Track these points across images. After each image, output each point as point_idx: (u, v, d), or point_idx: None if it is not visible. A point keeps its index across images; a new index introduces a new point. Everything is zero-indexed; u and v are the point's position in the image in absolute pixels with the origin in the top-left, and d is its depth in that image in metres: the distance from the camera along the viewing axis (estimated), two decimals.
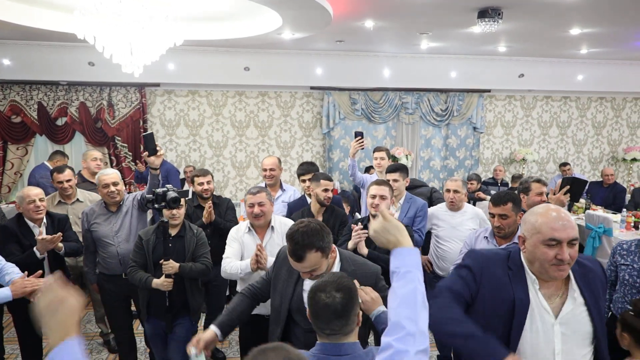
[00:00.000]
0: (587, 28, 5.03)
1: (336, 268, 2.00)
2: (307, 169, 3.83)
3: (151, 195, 2.67)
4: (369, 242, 2.83)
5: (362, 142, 4.06)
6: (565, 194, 2.95)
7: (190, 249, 2.91)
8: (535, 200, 3.11)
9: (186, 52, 6.07)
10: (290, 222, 2.86)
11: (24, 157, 6.37)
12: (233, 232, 2.85)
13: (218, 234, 3.70)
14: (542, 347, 1.54)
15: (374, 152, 4.57)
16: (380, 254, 2.73)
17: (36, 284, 2.45)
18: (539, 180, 3.19)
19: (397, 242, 1.40)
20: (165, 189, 2.67)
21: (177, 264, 2.77)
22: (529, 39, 5.64)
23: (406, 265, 1.34)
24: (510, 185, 6.87)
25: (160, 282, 2.74)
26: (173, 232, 2.91)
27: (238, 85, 6.87)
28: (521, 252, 1.64)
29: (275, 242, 2.77)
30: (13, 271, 2.62)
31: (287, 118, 7.19)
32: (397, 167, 3.82)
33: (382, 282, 2.05)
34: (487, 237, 2.92)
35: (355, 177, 4.37)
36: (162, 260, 2.73)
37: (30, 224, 3.21)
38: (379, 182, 3.00)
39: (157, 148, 2.98)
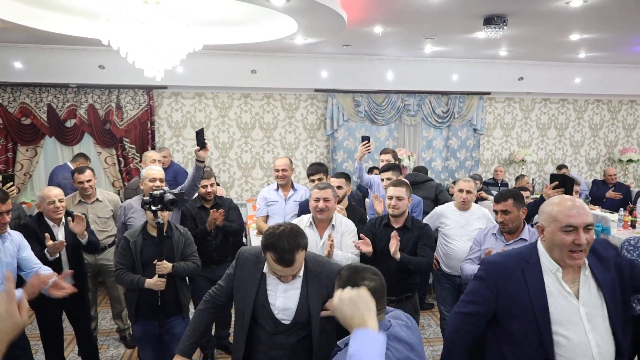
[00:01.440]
0: (587, 34, 5.21)
1: (302, 269, 2.01)
2: (316, 169, 3.94)
3: (148, 197, 2.74)
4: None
5: (369, 146, 4.24)
6: (554, 189, 3.10)
7: (179, 249, 2.95)
8: None
9: (194, 55, 6.07)
10: (349, 223, 2.98)
11: (34, 158, 6.44)
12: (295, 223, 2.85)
13: (222, 234, 3.82)
14: (576, 331, 1.65)
15: (380, 154, 4.70)
16: (410, 258, 2.91)
17: (45, 280, 2.42)
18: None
19: (363, 322, 1.23)
20: (162, 191, 2.74)
21: (170, 264, 2.81)
22: (530, 43, 5.81)
23: (366, 354, 1.15)
24: (514, 185, 7.03)
25: (153, 282, 2.77)
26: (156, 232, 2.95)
27: (244, 88, 6.98)
28: (539, 243, 1.76)
29: (334, 239, 2.88)
30: (45, 274, 2.61)
31: (291, 120, 7.32)
32: (390, 167, 4.03)
33: None
34: (495, 234, 3.08)
35: (362, 179, 4.52)
36: (156, 260, 2.77)
37: (50, 223, 3.31)
38: (395, 184, 3.16)
39: (206, 142, 3.33)
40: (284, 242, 1.83)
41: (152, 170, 3.50)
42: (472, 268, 2.96)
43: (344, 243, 2.96)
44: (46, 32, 4.48)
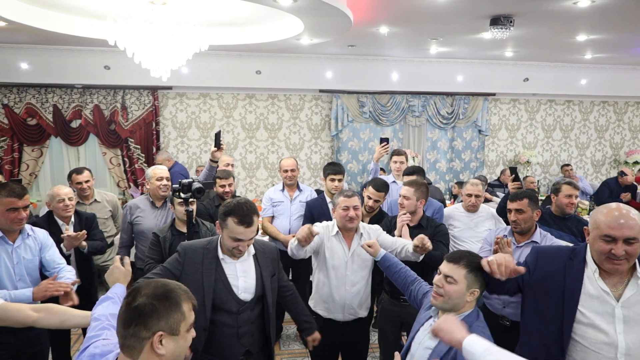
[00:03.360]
0: (594, 35, 5.18)
1: (252, 247, 2.27)
2: (338, 169, 3.95)
3: (177, 185, 2.80)
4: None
5: (387, 147, 4.20)
6: (512, 181, 3.28)
7: None
8: (564, 201, 3.29)
9: (199, 55, 6.10)
10: (375, 228, 2.90)
11: (39, 158, 6.46)
12: (319, 228, 2.78)
13: None
14: (604, 328, 1.75)
15: (392, 155, 4.68)
16: (433, 252, 2.87)
17: (59, 288, 2.39)
18: (569, 183, 3.35)
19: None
20: (191, 179, 2.79)
21: None
22: (536, 44, 5.79)
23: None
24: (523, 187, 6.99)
25: None
26: (185, 229, 3.01)
27: (249, 88, 6.99)
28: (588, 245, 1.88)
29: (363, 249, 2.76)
30: (65, 275, 2.64)
31: (296, 120, 7.32)
32: (415, 170, 3.96)
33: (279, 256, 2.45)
34: (506, 236, 3.06)
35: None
36: None
37: (60, 221, 3.32)
38: (405, 183, 3.22)
39: (222, 144, 3.55)
40: (243, 207, 2.09)
41: (157, 169, 3.63)
42: None
43: (384, 244, 2.81)
44: (52, 33, 4.49)
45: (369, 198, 3.47)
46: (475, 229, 3.58)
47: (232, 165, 4.65)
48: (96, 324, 1.51)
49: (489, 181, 7.20)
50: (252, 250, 2.28)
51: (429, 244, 2.58)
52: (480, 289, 1.88)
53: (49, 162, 6.58)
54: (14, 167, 6.31)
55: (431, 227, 3.13)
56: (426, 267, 2.86)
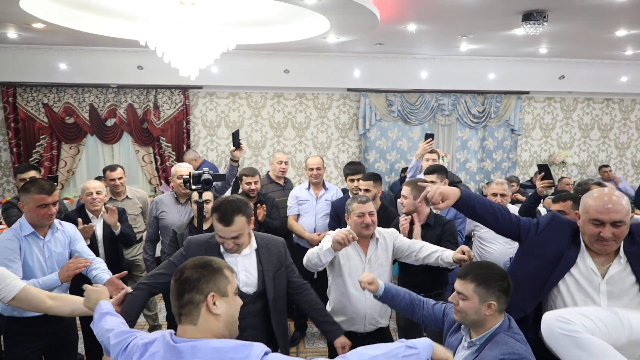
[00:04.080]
0: (635, 29, 4.95)
1: (254, 242, 2.30)
2: (357, 169, 3.92)
3: (187, 176, 2.86)
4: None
5: (432, 144, 4.11)
6: (541, 180, 3.33)
7: None
8: None
9: (229, 55, 6.20)
10: (391, 232, 2.80)
11: (76, 156, 6.72)
12: (331, 238, 2.64)
13: (264, 231, 3.87)
14: (588, 303, 1.88)
15: None
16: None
17: (78, 265, 2.49)
18: (599, 184, 3.23)
19: None
20: (201, 171, 2.83)
21: None
22: (572, 40, 5.58)
23: (417, 345, 1.50)
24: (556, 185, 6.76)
25: None
26: (206, 225, 3.07)
27: (277, 88, 7.04)
28: None
29: (379, 254, 2.70)
30: (100, 267, 2.70)
31: (324, 119, 7.32)
32: (435, 169, 3.87)
33: (287, 249, 2.45)
34: None
35: (414, 177, 4.43)
36: None
37: (90, 214, 3.44)
38: (406, 184, 3.17)
39: (240, 143, 3.53)
40: (227, 205, 2.11)
41: (179, 167, 3.73)
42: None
43: (401, 247, 2.74)
44: (87, 34, 4.65)
45: (359, 189, 3.54)
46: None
47: (286, 163, 4.56)
48: (117, 332, 1.56)
49: (521, 182, 6.99)
50: (254, 244, 2.29)
51: (472, 253, 2.48)
52: (497, 300, 1.76)
53: (85, 160, 6.83)
54: (53, 164, 6.58)
55: (439, 225, 3.07)
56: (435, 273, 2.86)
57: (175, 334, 1.35)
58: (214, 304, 1.36)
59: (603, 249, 1.88)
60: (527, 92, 7.37)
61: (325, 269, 2.73)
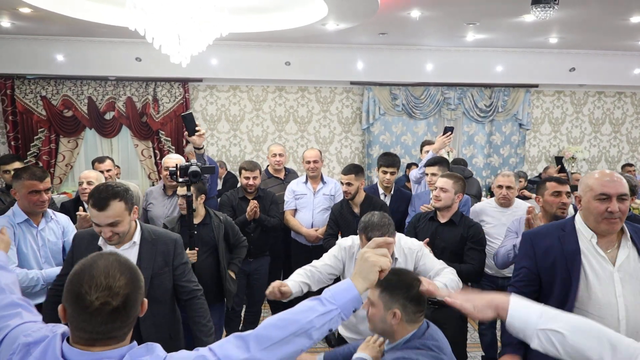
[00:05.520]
0: None
1: (137, 236, 2.14)
2: (391, 161, 3.79)
3: (174, 168, 2.71)
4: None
5: (451, 137, 3.93)
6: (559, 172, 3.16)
7: (219, 235, 3.00)
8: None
9: (228, 47, 6.15)
10: (415, 248, 2.44)
11: (75, 149, 6.63)
12: (343, 245, 2.43)
13: (261, 228, 3.73)
14: (606, 292, 1.80)
15: (423, 145, 4.46)
16: (463, 266, 2.69)
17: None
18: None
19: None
20: (189, 163, 2.69)
21: (195, 254, 2.76)
22: (583, 29, 5.36)
23: (336, 298, 1.21)
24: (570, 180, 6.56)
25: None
26: (197, 220, 2.95)
27: (278, 81, 6.89)
28: (577, 215, 1.94)
29: (400, 264, 2.39)
30: None
31: (326, 113, 7.16)
32: (437, 161, 3.69)
33: (182, 248, 2.24)
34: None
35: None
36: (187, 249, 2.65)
37: (85, 205, 3.35)
38: (443, 175, 3.01)
39: (197, 128, 3.05)
40: (103, 190, 1.99)
41: (168, 159, 3.59)
42: (506, 247, 2.72)
43: (424, 272, 2.39)
44: (79, 21, 4.54)
45: (342, 183, 3.50)
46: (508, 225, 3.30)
47: (281, 155, 4.39)
48: (3, 304, 1.33)
49: (529, 177, 6.79)
50: (136, 238, 2.14)
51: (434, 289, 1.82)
52: (402, 309, 1.61)
53: (83, 154, 6.74)
54: (51, 157, 6.49)
55: (464, 225, 2.89)
56: None
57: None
58: None
59: (611, 228, 1.81)
60: (536, 86, 7.15)
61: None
